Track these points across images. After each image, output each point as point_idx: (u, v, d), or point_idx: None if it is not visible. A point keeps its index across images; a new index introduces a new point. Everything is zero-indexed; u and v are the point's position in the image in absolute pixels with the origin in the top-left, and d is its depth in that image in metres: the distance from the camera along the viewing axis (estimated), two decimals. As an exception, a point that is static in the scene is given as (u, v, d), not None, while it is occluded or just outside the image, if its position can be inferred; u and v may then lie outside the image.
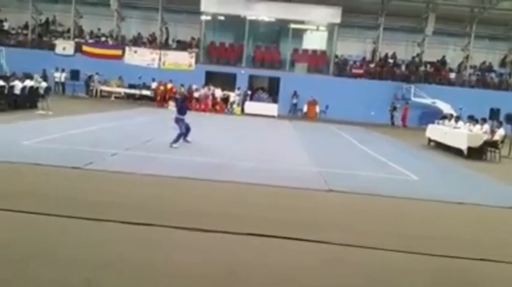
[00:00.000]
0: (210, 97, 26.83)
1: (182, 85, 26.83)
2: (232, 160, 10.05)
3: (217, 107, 26.62)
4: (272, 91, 29.55)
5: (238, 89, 28.06)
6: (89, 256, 4.31)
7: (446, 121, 17.64)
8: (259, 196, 7.28)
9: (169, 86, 27.16)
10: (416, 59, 31.18)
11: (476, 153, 14.18)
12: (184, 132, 11.85)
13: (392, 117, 28.12)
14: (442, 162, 13.38)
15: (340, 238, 5.37)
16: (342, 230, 5.77)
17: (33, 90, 17.69)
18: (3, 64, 28.26)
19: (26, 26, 32.17)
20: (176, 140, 11.39)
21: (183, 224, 5.37)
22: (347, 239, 5.38)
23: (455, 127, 16.20)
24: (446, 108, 25.91)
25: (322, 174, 9.34)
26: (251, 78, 30.05)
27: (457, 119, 17.35)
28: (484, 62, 31.89)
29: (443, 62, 31.49)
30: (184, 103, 12.56)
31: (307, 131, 19.53)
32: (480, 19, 29.52)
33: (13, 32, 32.38)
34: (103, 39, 31.76)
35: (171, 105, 25.80)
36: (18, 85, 16.72)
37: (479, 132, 14.53)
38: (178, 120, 11.83)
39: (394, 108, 28.11)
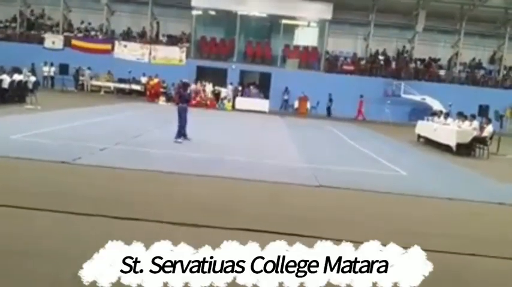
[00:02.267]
0: (202, 93, 26.73)
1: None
2: (223, 155, 10.03)
3: (208, 103, 26.53)
4: (263, 87, 29.51)
5: (231, 84, 28.00)
6: (78, 251, 4.27)
7: (436, 118, 17.76)
8: (249, 192, 7.28)
9: (155, 81, 26.88)
10: (406, 55, 31.35)
11: (465, 149, 14.30)
12: (183, 124, 11.48)
13: (328, 108, 28.52)
14: (431, 158, 13.49)
15: (332, 233, 5.37)
16: (333, 225, 5.79)
17: (21, 84, 17.49)
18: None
19: (14, 19, 31.74)
20: (179, 134, 11.25)
21: (173, 219, 5.35)
22: (338, 234, 5.38)
23: (444, 123, 16.33)
24: (435, 104, 26.12)
25: (312, 170, 9.36)
26: (242, 73, 30.00)
27: (447, 115, 17.49)
28: (473, 59, 32.17)
29: (434, 59, 31.69)
30: (186, 90, 12.29)
31: (298, 127, 19.55)
32: (470, 16, 29.74)
33: (1, 25, 31.93)
34: (92, 33, 31.48)
35: (162, 100, 25.71)
36: (6, 79, 16.52)
37: (468, 129, 14.65)
38: (180, 110, 11.53)
39: (330, 100, 28.47)
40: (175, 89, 26.80)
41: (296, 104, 28.69)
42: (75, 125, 12.84)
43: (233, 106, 26.81)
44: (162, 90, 27.01)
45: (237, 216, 5.83)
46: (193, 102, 26.00)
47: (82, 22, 31.96)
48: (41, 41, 30.02)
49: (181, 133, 11.40)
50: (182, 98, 11.85)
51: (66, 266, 3.92)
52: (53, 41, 30.04)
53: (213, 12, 29.86)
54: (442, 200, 7.82)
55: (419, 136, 17.64)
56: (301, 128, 19.27)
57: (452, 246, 5.39)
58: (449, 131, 15.11)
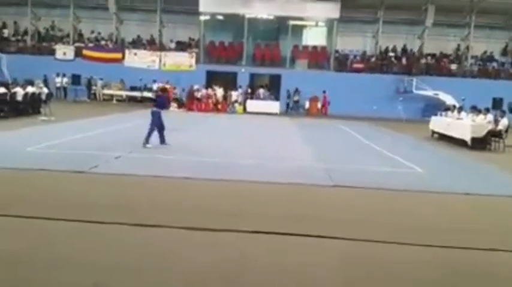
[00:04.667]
0: (213, 97, 26.85)
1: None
2: (237, 159, 10.06)
3: (219, 107, 26.63)
4: (273, 88, 29.50)
5: (240, 87, 28.08)
6: (98, 259, 4.31)
7: (449, 112, 17.58)
8: (264, 194, 7.27)
9: (167, 87, 26.94)
10: (415, 51, 31.09)
11: (480, 143, 14.12)
12: (154, 129, 11.15)
13: (287, 104, 28.88)
14: (446, 153, 13.35)
15: (350, 233, 5.35)
16: (351, 225, 5.76)
17: (35, 96, 17.74)
18: (5, 71, 28.33)
19: (25, 32, 32.23)
20: (147, 138, 11.02)
21: (191, 224, 5.37)
22: (357, 233, 5.36)
23: (458, 118, 16.16)
24: (448, 99, 25.85)
25: (327, 170, 9.33)
26: (252, 76, 30.07)
27: (460, 110, 17.30)
28: (485, 52, 31.76)
29: (445, 54, 31.39)
30: (163, 97, 12.00)
31: (310, 127, 19.52)
32: (479, 9, 29.42)
33: (13, 39, 32.46)
34: (103, 42, 31.81)
35: (173, 106, 25.84)
36: (20, 92, 16.77)
37: (483, 123, 14.48)
38: (153, 113, 11.23)
39: (288, 96, 28.89)
40: (186, 95, 27.02)
41: (307, 105, 28.63)
42: (90, 134, 12.98)
43: (244, 109, 26.86)
44: (173, 96, 27.12)
45: (253, 219, 5.83)
46: (203, 106, 26.24)
47: (92, 32, 32.32)
48: (52, 52, 30.43)
49: (149, 137, 11.08)
50: (157, 103, 11.53)
51: (87, 274, 3.97)
52: (64, 52, 30.43)
53: (220, 17, 29.95)
54: (459, 195, 7.73)
55: (433, 132, 17.48)
56: (313, 128, 19.23)
57: (474, 242, 5.32)
58: (463, 125, 14.95)
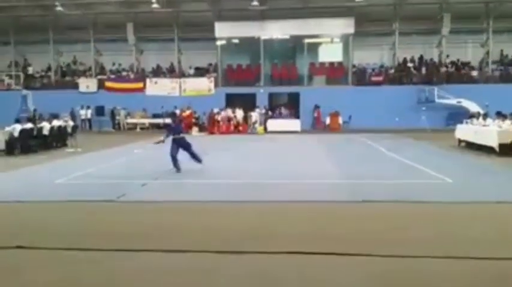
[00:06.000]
0: (233, 119, 27.07)
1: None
2: (262, 180, 10.04)
3: (240, 128, 26.78)
4: (293, 107, 29.55)
5: (258, 107, 28.26)
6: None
7: (475, 120, 17.26)
8: (291, 213, 7.20)
9: (187, 112, 27.24)
10: (435, 60, 30.79)
11: (508, 149, 13.76)
12: (173, 155, 11.14)
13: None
14: (474, 162, 13.05)
15: (385, 249, 5.24)
16: (385, 241, 5.64)
17: (61, 129, 18.21)
18: (30, 107, 29.26)
19: (49, 69, 33.30)
20: (197, 159, 11.32)
21: (223, 248, 5.37)
22: (392, 250, 5.25)
23: (484, 125, 15.83)
24: (472, 106, 25.39)
25: (354, 185, 9.23)
26: (271, 96, 30.23)
27: (485, 116, 16.96)
28: (506, 56, 31.23)
29: (464, 63, 30.98)
30: (175, 123, 11.98)
31: (333, 143, 19.39)
32: (496, 13, 29.06)
33: (37, 75, 33.56)
34: (124, 73, 32.59)
35: (195, 130, 26.12)
36: (46, 126, 17.23)
37: (509, 128, 14.15)
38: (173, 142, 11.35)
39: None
40: (207, 118, 27.31)
41: (328, 121, 28.53)
42: (115, 163, 13.20)
43: (265, 129, 26.92)
44: (194, 121, 27.46)
45: (283, 239, 5.77)
46: (224, 129, 26.42)
47: (113, 64, 33.17)
48: (75, 86, 31.34)
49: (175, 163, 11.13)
50: (172, 131, 11.47)
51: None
52: (87, 85, 31.30)
53: (236, 41, 30.39)
54: (492, 205, 7.53)
55: (459, 140, 17.14)
56: (335, 143, 19.09)
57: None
58: (489, 132, 14.63)
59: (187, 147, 11.45)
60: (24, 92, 30.28)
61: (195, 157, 11.52)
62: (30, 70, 33.70)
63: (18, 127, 15.68)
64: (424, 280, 4.47)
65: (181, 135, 11.57)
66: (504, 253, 5.09)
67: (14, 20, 32.20)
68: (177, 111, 27.81)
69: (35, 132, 16.54)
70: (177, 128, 11.62)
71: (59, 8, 29.06)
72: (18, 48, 33.55)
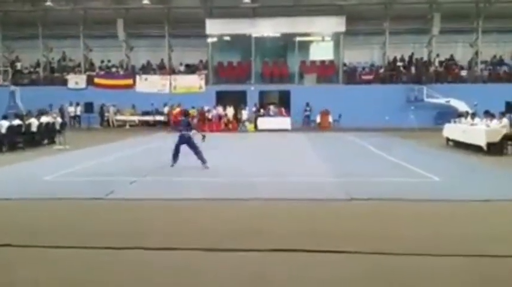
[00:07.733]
0: (224, 117, 27.00)
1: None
2: (250, 177, 10.05)
3: (230, 126, 26.73)
4: (283, 105, 29.56)
5: (247, 106, 28.26)
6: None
7: (463, 119, 17.41)
8: (280, 211, 7.23)
9: (177, 109, 27.03)
10: (425, 59, 31.00)
11: (496, 148, 13.93)
12: (175, 150, 11.58)
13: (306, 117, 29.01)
14: (462, 160, 13.18)
15: (373, 247, 5.28)
16: (372, 239, 5.68)
17: (49, 126, 18.03)
18: (19, 103, 28.89)
19: (37, 64, 32.95)
20: (202, 160, 11.39)
21: (208, 245, 5.37)
22: (379, 247, 5.29)
23: (472, 124, 15.99)
24: (461, 106, 25.61)
25: (342, 183, 9.27)
26: (261, 94, 30.22)
27: (473, 115, 17.12)
28: (494, 56, 31.53)
29: (452, 60, 31.23)
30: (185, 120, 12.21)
31: (322, 141, 19.46)
32: (486, 13, 29.31)
33: (26, 71, 33.20)
34: (113, 70, 32.34)
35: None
36: (34, 123, 17.05)
37: (498, 127, 14.30)
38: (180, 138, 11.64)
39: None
40: (196, 116, 27.19)
41: (318, 119, 28.59)
42: (104, 160, 13.11)
43: (255, 127, 26.88)
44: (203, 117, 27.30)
45: (269, 237, 5.79)
46: (214, 127, 26.34)
47: (102, 61, 32.91)
48: (64, 82, 31.02)
49: (201, 158, 11.44)
50: (182, 127, 11.77)
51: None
52: (76, 81, 30.99)
53: (227, 38, 30.30)
54: (479, 203, 7.61)
55: (448, 139, 17.29)
56: (325, 142, 19.16)
57: (501, 249, 5.21)
58: (478, 131, 14.78)
59: (192, 146, 11.54)
60: (12, 88, 29.90)
61: (200, 158, 11.52)
62: (19, 66, 33.31)
63: (5, 124, 15.51)
64: (412, 277, 4.52)
65: (187, 132, 11.59)
66: (492, 251, 5.15)
67: (3, 15, 31.80)
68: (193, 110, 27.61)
69: (23, 129, 16.37)
70: (185, 124, 11.78)
71: (49, 3, 28.77)
72: (6, 44, 33.16)
